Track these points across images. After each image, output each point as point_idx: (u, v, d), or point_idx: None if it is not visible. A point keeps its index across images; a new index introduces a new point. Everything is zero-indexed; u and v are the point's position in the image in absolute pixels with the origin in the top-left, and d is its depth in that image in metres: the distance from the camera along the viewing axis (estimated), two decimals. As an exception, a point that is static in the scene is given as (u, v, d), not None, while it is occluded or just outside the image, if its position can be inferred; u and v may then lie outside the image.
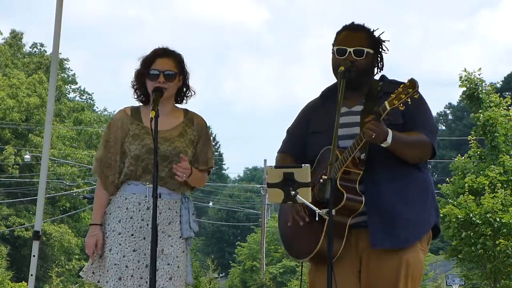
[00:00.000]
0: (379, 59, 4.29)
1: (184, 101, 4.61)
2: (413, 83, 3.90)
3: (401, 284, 4.12)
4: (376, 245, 4.10)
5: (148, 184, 4.41)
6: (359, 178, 4.09)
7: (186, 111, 4.60)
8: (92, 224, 4.53)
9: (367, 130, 3.94)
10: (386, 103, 3.92)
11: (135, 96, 4.59)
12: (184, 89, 4.57)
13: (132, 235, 4.42)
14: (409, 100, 3.89)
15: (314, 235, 4.11)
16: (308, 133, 4.32)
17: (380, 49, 4.29)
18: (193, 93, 4.60)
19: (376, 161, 4.11)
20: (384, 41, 4.29)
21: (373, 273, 4.14)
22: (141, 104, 4.60)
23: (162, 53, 4.50)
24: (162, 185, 4.39)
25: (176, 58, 4.52)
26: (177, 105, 4.62)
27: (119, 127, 4.52)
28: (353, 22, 4.30)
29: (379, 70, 4.32)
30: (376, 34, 4.29)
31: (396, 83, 4.14)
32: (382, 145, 4.00)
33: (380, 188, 4.11)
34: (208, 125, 4.64)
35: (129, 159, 4.46)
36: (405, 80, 4.04)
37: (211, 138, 4.67)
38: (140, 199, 4.45)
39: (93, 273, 4.53)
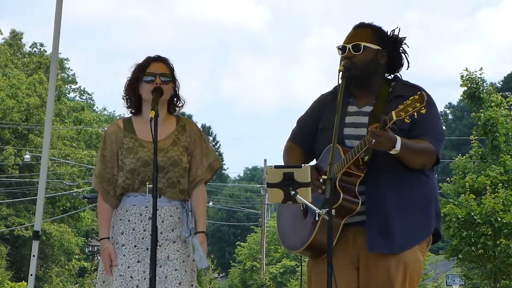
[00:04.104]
0: (389, 56, 4.22)
1: (176, 111, 4.60)
2: (421, 98, 3.86)
3: (398, 284, 4.11)
4: (373, 248, 4.10)
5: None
6: (360, 180, 4.08)
7: (178, 118, 4.59)
8: (101, 239, 4.53)
9: (368, 137, 3.93)
10: (393, 113, 3.89)
11: (126, 106, 4.57)
12: (175, 99, 4.57)
13: (135, 246, 4.43)
14: (415, 114, 3.87)
15: (308, 228, 4.12)
16: (318, 128, 4.31)
17: (394, 47, 4.23)
18: (183, 102, 4.59)
19: (379, 164, 4.09)
20: (399, 39, 4.24)
21: (371, 273, 4.14)
22: (131, 115, 4.58)
23: (156, 58, 4.52)
24: (161, 195, 4.38)
25: (169, 66, 4.53)
26: None
27: (113, 140, 4.52)
28: (362, 22, 4.26)
29: (398, 69, 4.27)
30: (391, 32, 4.24)
31: (408, 85, 4.13)
32: (390, 152, 3.97)
33: (381, 191, 4.09)
34: (201, 130, 4.63)
35: (124, 173, 4.46)
36: (417, 82, 4.02)
37: (210, 139, 4.66)
38: (141, 209, 4.45)
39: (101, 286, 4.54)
